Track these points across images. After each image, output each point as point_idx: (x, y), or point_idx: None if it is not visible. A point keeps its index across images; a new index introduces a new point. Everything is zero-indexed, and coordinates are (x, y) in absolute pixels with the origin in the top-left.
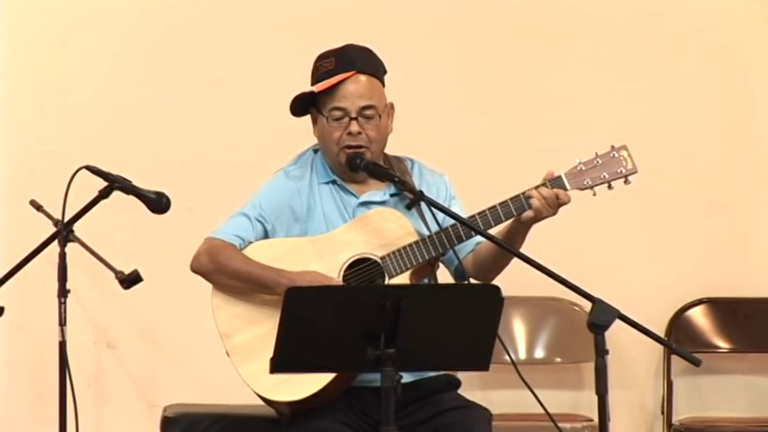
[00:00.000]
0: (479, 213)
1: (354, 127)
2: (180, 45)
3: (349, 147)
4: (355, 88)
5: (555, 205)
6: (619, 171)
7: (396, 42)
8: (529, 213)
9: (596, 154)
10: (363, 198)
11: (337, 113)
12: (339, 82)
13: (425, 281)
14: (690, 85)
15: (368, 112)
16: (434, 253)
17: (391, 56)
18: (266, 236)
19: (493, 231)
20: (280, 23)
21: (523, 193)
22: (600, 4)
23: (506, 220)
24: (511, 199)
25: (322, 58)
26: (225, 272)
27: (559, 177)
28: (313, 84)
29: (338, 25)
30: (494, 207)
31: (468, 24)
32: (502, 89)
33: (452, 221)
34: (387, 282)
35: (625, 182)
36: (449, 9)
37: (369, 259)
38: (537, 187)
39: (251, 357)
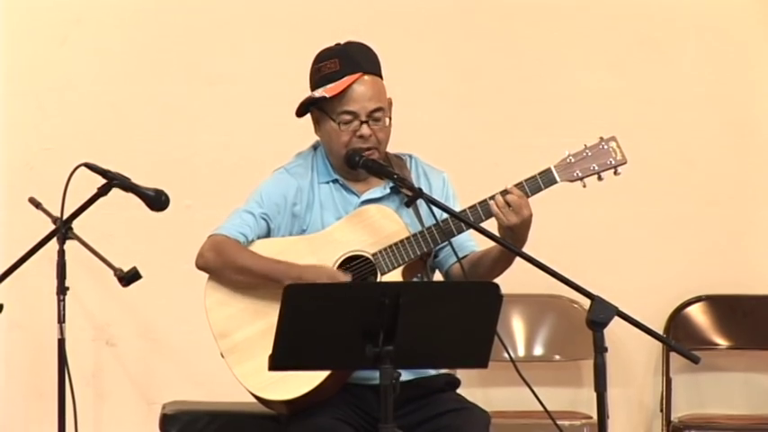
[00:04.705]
0: (469, 208)
1: (366, 130)
2: (179, 43)
3: (359, 149)
4: (364, 91)
5: (518, 209)
6: (608, 162)
7: (395, 39)
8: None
9: (585, 146)
10: (365, 197)
11: (347, 117)
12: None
13: (418, 276)
14: (688, 83)
15: (377, 115)
16: (426, 249)
17: (390, 53)
18: (269, 233)
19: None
20: (278, 21)
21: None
22: (599, 2)
23: (485, 219)
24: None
25: (323, 58)
26: (232, 267)
27: (549, 169)
28: (315, 85)
29: (337, 22)
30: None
31: (467, 22)
32: (500, 86)
33: (444, 217)
34: (379, 278)
35: (615, 173)
36: (447, 7)
37: (361, 256)
38: (500, 194)
39: (245, 357)
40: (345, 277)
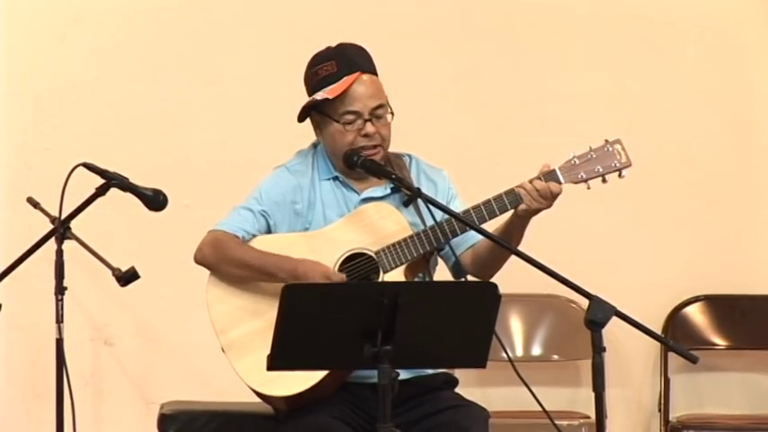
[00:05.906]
0: (474, 208)
1: (370, 128)
2: (177, 42)
3: (364, 148)
4: (364, 89)
5: (548, 197)
6: (613, 165)
7: (395, 39)
8: (522, 206)
9: (590, 148)
10: (365, 194)
11: (350, 117)
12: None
13: (420, 275)
14: (688, 83)
15: (379, 112)
16: (428, 247)
17: (390, 53)
18: (269, 230)
19: (491, 226)
20: (277, 20)
21: (517, 187)
22: (599, 2)
23: (500, 213)
24: (505, 193)
25: (319, 62)
26: (230, 261)
27: (553, 171)
28: (313, 89)
29: (335, 22)
30: (488, 201)
31: (467, 22)
32: (500, 86)
33: (447, 216)
34: (381, 276)
35: (619, 175)
36: (447, 7)
37: (363, 254)
38: (531, 180)
39: (246, 353)
40: (339, 276)
